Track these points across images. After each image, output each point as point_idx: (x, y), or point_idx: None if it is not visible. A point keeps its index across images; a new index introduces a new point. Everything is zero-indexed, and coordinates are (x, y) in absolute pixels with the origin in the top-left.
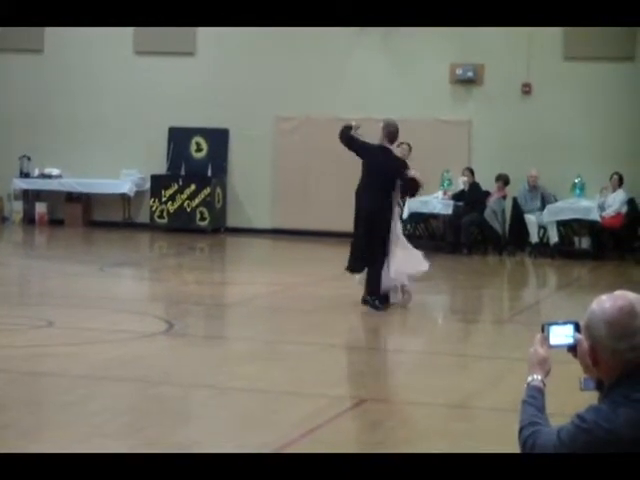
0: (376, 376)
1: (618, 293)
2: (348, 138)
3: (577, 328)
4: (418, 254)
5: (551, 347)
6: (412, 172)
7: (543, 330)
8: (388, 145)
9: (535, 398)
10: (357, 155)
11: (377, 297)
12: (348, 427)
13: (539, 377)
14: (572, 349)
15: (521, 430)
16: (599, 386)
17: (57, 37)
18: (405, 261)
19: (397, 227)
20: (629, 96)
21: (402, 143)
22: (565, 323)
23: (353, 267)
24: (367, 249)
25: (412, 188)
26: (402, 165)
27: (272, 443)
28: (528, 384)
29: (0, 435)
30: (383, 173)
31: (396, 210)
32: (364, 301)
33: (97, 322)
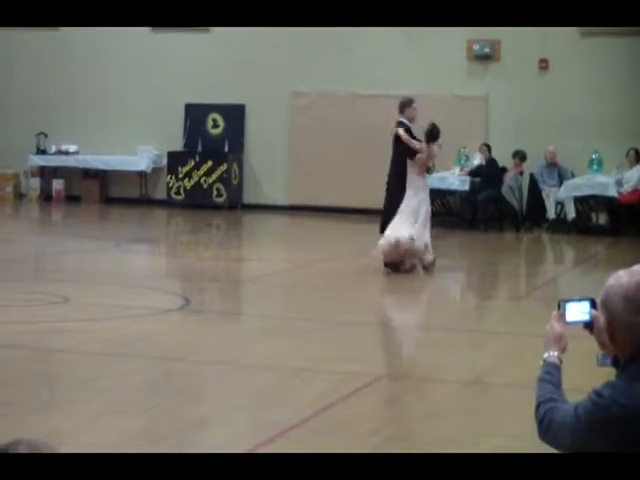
0: (392, 352)
1: (636, 268)
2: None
3: (593, 305)
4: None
5: (567, 324)
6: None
7: (559, 307)
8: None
9: (551, 374)
10: None
11: None
12: (363, 404)
13: (555, 353)
14: (588, 326)
15: (538, 407)
16: (615, 362)
17: None
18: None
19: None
20: None
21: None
22: (581, 300)
23: None
24: None
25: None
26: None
27: (287, 420)
28: (544, 360)
29: (15, 411)
30: None
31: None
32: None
33: (112, 298)
